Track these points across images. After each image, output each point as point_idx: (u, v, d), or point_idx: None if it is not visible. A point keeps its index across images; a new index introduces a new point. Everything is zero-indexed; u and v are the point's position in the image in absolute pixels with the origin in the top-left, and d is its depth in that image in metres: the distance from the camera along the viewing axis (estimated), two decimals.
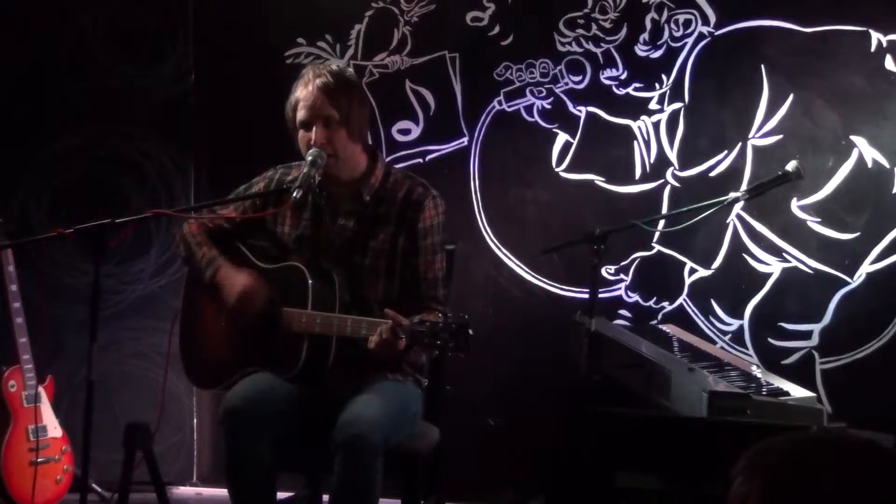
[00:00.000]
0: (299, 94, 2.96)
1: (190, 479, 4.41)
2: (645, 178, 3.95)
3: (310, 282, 2.89)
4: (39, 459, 3.84)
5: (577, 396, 3.03)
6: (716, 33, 3.87)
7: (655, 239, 3.91)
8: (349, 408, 2.81)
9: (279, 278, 2.97)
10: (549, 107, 4.02)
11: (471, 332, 2.59)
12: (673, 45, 3.90)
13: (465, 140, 4.12)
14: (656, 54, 3.92)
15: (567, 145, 4.02)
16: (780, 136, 3.81)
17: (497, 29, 4.05)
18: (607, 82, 3.97)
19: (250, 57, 4.30)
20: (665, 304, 3.94)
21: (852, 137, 3.75)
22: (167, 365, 3.21)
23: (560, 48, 4.00)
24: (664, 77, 3.91)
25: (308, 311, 2.86)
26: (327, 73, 2.95)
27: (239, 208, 3.11)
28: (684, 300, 3.92)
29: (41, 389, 3.92)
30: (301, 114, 2.94)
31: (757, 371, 3.24)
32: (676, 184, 3.92)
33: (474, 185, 4.12)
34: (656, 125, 3.93)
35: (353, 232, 3.01)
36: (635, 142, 3.95)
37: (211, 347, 3.08)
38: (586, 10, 3.97)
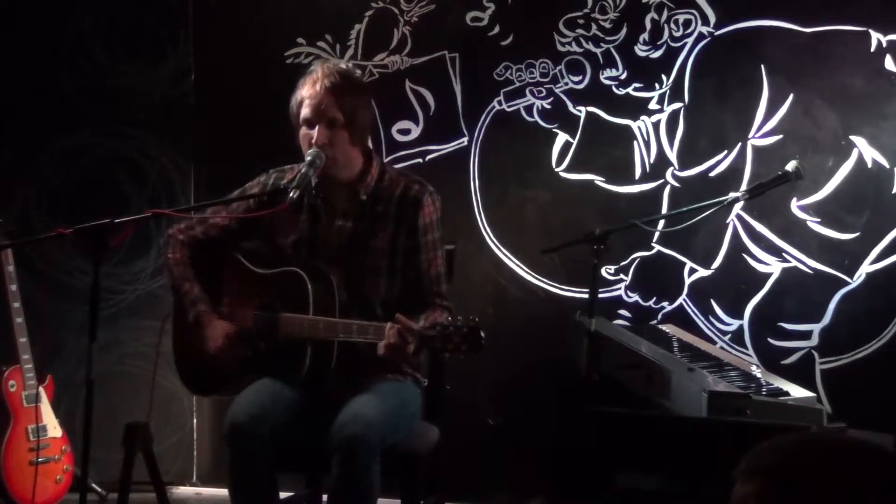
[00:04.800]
0: (305, 91, 2.94)
1: (190, 479, 4.41)
2: (645, 178, 3.95)
3: (309, 286, 2.88)
4: (39, 459, 3.84)
5: (577, 396, 3.03)
6: (716, 33, 3.87)
7: (655, 239, 3.91)
8: (347, 408, 2.81)
9: (278, 284, 2.96)
10: (549, 107, 4.02)
11: (483, 333, 2.59)
12: (673, 45, 3.90)
13: (465, 140, 4.12)
14: (656, 54, 3.92)
15: (567, 145, 4.02)
16: (780, 136, 3.81)
17: (497, 29, 4.05)
18: (607, 82, 3.97)
19: (250, 57, 4.30)
20: (665, 304, 3.94)
21: (852, 137, 3.75)
22: (155, 363, 3.21)
23: (560, 48, 4.00)
24: (664, 77, 3.91)
25: (310, 316, 2.86)
26: (336, 74, 2.93)
27: (234, 211, 3.09)
28: (684, 300, 3.92)
29: (41, 389, 3.93)
30: (305, 111, 2.93)
31: (757, 371, 3.24)
32: (676, 184, 3.92)
33: (474, 185, 4.12)
34: (656, 125, 3.93)
35: (352, 232, 3.00)
36: (635, 142, 3.95)
37: (209, 357, 3.04)
38: (586, 10, 3.97)
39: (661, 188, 3.94)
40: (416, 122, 4.16)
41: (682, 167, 3.92)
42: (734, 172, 3.85)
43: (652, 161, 3.94)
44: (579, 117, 4.00)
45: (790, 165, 3.13)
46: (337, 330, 2.82)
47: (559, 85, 4.00)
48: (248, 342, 2.97)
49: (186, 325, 3.07)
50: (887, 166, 3.73)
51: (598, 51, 3.97)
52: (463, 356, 2.62)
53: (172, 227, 3.15)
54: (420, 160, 4.15)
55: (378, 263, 2.98)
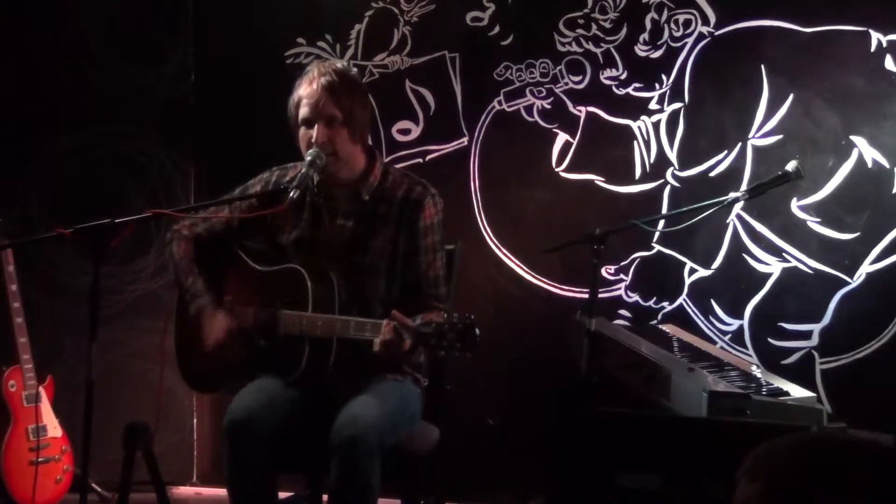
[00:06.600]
0: (302, 91, 2.95)
1: (190, 479, 4.41)
2: (645, 178, 3.96)
3: (309, 284, 2.88)
4: (39, 459, 3.84)
5: (577, 396, 3.03)
6: (716, 33, 3.87)
7: (655, 239, 3.91)
8: (347, 408, 2.80)
9: (278, 281, 2.96)
10: (549, 107, 4.02)
11: (477, 331, 2.58)
12: (673, 45, 3.90)
13: (465, 140, 4.12)
14: (656, 54, 3.92)
15: (567, 145, 4.02)
16: (780, 136, 3.81)
17: (497, 29, 4.05)
18: (607, 82, 3.97)
19: (250, 57, 4.30)
20: (665, 304, 3.94)
21: (852, 137, 3.75)
22: (163, 364, 3.21)
23: (560, 48, 4.00)
24: (664, 77, 3.91)
25: (309, 313, 2.86)
26: (332, 72, 2.94)
27: (236, 209, 3.10)
28: (684, 300, 3.92)
29: (41, 389, 3.92)
30: (304, 111, 2.94)
31: (757, 371, 3.23)
32: (676, 184, 3.93)
33: (474, 185, 4.12)
34: (656, 125, 3.93)
35: (353, 232, 3.00)
36: (635, 142, 3.95)
37: (209, 352, 3.06)
38: (586, 10, 3.97)
39: (661, 188, 3.94)
40: (416, 122, 4.16)
41: (682, 167, 3.92)
42: (734, 172, 3.85)
43: (652, 161, 3.94)
44: (579, 117, 4.00)
45: (790, 165, 3.13)
46: (335, 327, 2.82)
47: (559, 85, 4.01)
48: (247, 339, 2.97)
49: (188, 320, 3.07)
50: (887, 166, 3.73)
51: (598, 51, 3.97)
52: (457, 354, 2.61)
53: (178, 223, 3.15)
54: (420, 160, 4.15)
55: (378, 264, 2.98)
